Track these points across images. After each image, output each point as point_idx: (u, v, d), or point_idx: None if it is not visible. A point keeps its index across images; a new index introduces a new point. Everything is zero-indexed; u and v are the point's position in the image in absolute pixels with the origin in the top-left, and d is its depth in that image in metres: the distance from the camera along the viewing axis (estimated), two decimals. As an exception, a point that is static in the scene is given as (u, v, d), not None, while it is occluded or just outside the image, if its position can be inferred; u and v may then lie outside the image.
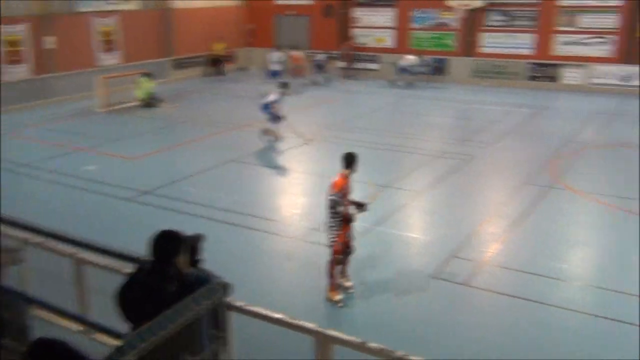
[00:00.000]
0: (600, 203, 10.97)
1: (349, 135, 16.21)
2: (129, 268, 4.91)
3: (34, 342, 3.34)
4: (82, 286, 6.18)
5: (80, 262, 6.10)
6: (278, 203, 11.65)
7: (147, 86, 19.68)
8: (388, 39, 27.05)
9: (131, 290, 4.44)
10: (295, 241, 9.48)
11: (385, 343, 4.73)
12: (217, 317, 4.79)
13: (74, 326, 5.47)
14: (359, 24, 27.60)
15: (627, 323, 6.97)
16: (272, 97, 14.72)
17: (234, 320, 5.04)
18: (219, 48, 27.21)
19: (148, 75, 19.94)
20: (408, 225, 10.28)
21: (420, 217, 10.73)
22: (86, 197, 11.32)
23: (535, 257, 8.82)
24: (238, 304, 5.08)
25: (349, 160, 7.47)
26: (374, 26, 27.23)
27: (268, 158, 14.28)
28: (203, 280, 4.64)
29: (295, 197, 11.78)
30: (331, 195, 7.25)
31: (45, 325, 5.42)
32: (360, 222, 10.04)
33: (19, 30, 19.49)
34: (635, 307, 7.31)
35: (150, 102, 19.58)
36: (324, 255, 8.80)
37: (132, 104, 19.63)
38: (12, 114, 18.06)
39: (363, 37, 27.38)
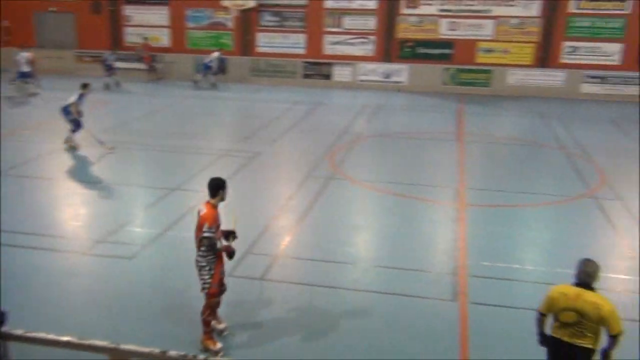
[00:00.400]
0: (374, 189, 12.02)
1: (128, 138, 15.51)
2: None
3: None
4: None
5: None
6: (57, 217, 10.61)
7: None
8: (164, 38, 26.37)
9: None
10: (78, 256, 8.74)
11: (188, 350, 4.59)
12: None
13: None
14: (131, 23, 26.44)
15: (406, 295, 7.73)
16: (72, 99, 13.79)
17: (22, 350, 4.49)
18: None
19: None
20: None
21: (211, 217, 10.65)
22: None
23: (323, 244, 9.33)
24: (17, 332, 4.53)
25: (217, 187, 6.36)
26: (147, 25, 26.32)
27: (39, 169, 12.97)
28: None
29: (75, 208, 10.85)
30: (205, 231, 6.14)
31: None
32: (149, 229, 9.73)
33: None
34: (413, 281, 8.16)
35: None
36: (112, 267, 8.28)
37: None
38: None
39: (136, 36, 26.29)
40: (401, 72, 24.38)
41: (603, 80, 23.05)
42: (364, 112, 19.76)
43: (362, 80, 24.77)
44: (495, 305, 7.46)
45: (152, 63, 25.11)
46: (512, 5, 23.26)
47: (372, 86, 24.44)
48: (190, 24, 26.05)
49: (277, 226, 10.02)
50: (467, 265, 8.51)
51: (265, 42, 25.61)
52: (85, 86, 14.21)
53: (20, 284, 7.81)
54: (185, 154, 14.11)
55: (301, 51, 25.35)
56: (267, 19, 25.39)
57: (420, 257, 8.88)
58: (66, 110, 13.83)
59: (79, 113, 13.85)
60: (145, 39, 25.43)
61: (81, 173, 12.90)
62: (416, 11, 24.11)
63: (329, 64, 24.97)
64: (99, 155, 13.86)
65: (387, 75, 24.46)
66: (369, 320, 7.21)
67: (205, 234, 6.16)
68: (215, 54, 23.87)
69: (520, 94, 23.23)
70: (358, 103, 21.32)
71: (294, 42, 25.36)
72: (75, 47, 26.96)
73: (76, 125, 13.90)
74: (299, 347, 6.63)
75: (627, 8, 22.46)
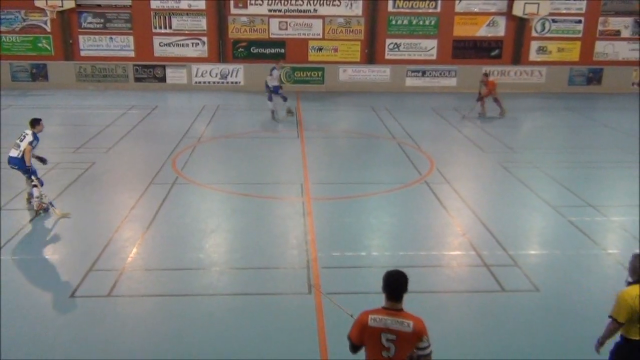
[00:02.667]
0: (221, 191, 11.87)
1: None
2: None
3: None
4: None
5: None
6: None
7: None
8: (-31, 44, 23.71)
9: None
10: None
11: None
12: None
13: None
14: None
15: (262, 294, 7.75)
16: (25, 142, 10.37)
17: None
18: None
19: None
20: (33, 248, 9.26)
21: (46, 236, 9.78)
22: None
23: (173, 252, 9.02)
24: None
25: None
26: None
27: None
28: None
29: None
30: None
31: None
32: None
33: None
34: (268, 279, 8.20)
35: None
36: None
37: None
38: None
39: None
40: (237, 72, 24.36)
41: (424, 74, 24.99)
42: (203, 114, 19.43)
43: (198, 82, 24.34)
44: (347, 293, 7.74)
45: None
46: (336, 5, 24.29)
47: (209, 87, 24.13)
48: (2, 28, 23.68)
49: (122, 238, 9.47)
50: (318, 258, 8.74)
51: (90, 45, 24.11)
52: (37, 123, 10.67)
53: None
54: (5, 170, 12.78)
55: (130, 54, 24.25)
56: (89, 20, 23.91)
57: (273, 255, 8.95)
58: (16, 162, 10.36)
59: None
60: None
61: None
62: (246, 11, 24.22)
63: (162, 66, 24.18)
64: None
65: (224, 76, 24.29)
66: (229, 323, 7.12)
67: None
68: None
69: (352, 90, 24.40)
70: (196, 105, 20.90)
71: (122, 45, 24.17)
72: None
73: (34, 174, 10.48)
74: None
75: (438, 7, 24.58)
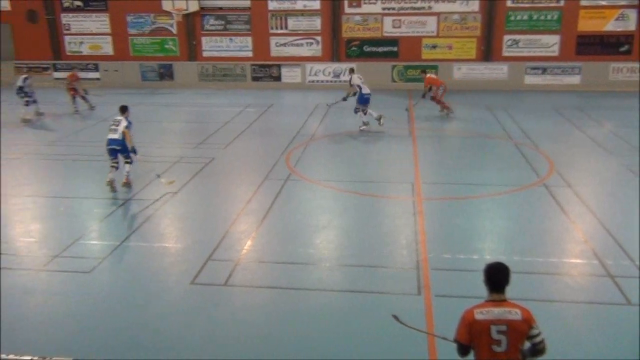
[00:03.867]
0: (332, 188, 12.04)
1: (79, 150, 15.11)
2: None
3: None
4: None
5: None
6: (7, 234, 10.14)
7: None
8: (105, 46, 25.75)
9: None
10: (34, 273, 8.41)
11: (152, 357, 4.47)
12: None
13: None
14: (70, 31, 25.70)
15: (370, 292, 7.77)
16: (122, 125, 11.76)
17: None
18: None
19: None
20: (158, 235, 9.90)
21: (170, 225, 10.43)
22: None
23: (285, 246, 9.28)
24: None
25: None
26: (88, 32, 25.64)
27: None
28: None
29: (26, 224, 10.42)
30: None
31: None
32: (105, 241, 9.46)
33: None
34: (377, 277, 8.21)
35: None
36: (69, 282, 8.09)
37: None
38: None
39: (77, 44, 25.60)
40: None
41: (544, 71, 23.81)
42: (316, 112, 19.78)
43: (311, 81, 24.81)
44: (458, 297, 7.55)
45: (79, 95, 20.05)
46: (452, 2, 23.76)
47: (322, 86, 24.51)
48: (133, 31, 25.51)
49: (238, 231, 9.90)
50: (428, 259, 8.62)
51: (211, 46, 25.35)
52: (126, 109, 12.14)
53: (-28, 307, 7.45)
54: (138, 163, 13.75)
55: (249, 54, 25.20)
56: (212, 22, 25.12)
57: (382, 253, 8.94)
58: (118, 142, 11.72)
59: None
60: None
61: (31, 188, 12.40)
62: (359, 10, 24.34)
63: (278, 66, 24.91)
64: (46, 168, 13.41)
65: (336, 75, 24.59)
66: (336, 319, 7.20)
67: None
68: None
69: (467, 88, 23.75)
70: (309, 103, 21.32)
71: (241, 45, 25.18)
72: (12, 58, 26.00)
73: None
74: (265, 350, 6.56)
75: (562, 1, 23.30)
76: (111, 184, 11.70)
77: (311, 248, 9.25)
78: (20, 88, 18.43)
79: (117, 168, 11.82)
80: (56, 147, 15.42)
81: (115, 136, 11.70)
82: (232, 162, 14.17)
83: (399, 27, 24.29)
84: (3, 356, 4.44)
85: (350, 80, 17.38)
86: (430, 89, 18.79)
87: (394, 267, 8.51)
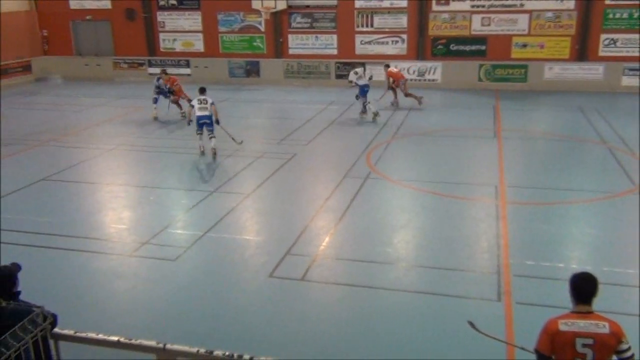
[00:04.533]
0: (412, 188, 11.91)
1: (163, 142, 15.78)
2: None
3: None
4: None
5: None
6: (101, 220, 10.80)
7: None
8: (197, 43, 26.68)
9: None
10: (124, 258, 8.89)
11: (232, 348, 4.61)
12: (44, 351, 4.32)
13: None
14: (165, 28, 26.83)
15: (448, 295, 7.63)
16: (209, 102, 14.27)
17: (68, 351, 4.58)
18: None
19: None
20: (240, 228, 10.19)
21: (251, 218, 10.70)
22: None
23: (363, 244, 9.29)
24: (68, 332, 4.63)
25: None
26: (180, 30, 26.68)
27: (82, 173, 13.25)
28: (21, 313, 4.18)
29: (118, 211, 11.04)
30: None
31: None
32: (190, 230, 9.85)
33: None
34: (455, 281, 8.05)
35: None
36: (156, 268, 8.44)
37: None
38: None
39: (170, 41, 26.70)
40: (435, 69, 24.16)
41: (644, 72, 22.41)
42: (399, 111, 19.60)
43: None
44: (541, 306, 7.28)
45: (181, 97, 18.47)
46: (546, -1, 22.83)
47: (408, 84, 24.20)
48: (222, 28, 26.29)
49: (316, 227, 10.01)
50: (510, 264, 8.35)
51: (297, 43, 25.68)
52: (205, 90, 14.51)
53: (68, 285, 7.98)
54: (223, 157, 14.21)
55: (333, 52, 25.34)
56: (298, 20, 25.45)
57: (462, 256, 8.76)
58: (208, 117, 14.06)
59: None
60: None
61: (123, 177, 13.12)
62: (447, 8, 23.86)
63: (362, 64, 24.83)
64: (139, 160, 14.13)
65: (421, 73, 24.26)
66: (411, 321, 7.14)
67: None
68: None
69: (558, 89, 22.74)
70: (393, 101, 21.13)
71: (326, 43, 25.36)
72: (112, 54, 27.50)
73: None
74: (339, 348, 6.60)
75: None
76: (201, 148, 14.20)
77: (389, 247, 9.21)
78: (157, 87, 18.57)
79: (201, 136, 14.14)
80: (149, 140, 16.16)
81: (206, 113, 14.01)
82: (313, 159, 14.33)
83: (488, 25, 23.61)
84: (92, 335, 4.72)
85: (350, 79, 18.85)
86: (392, 81, 19.83)
87: (473, 271, 8.32)
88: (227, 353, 4.51)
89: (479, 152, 14.52)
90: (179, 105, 18.42)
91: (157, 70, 22.29)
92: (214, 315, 7.27)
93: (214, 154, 14.04)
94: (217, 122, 14.13)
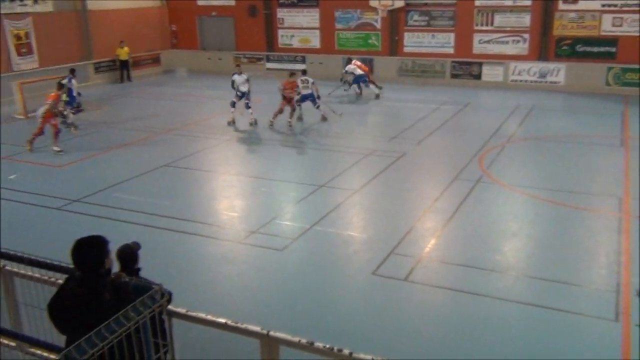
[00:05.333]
0: (526, 195, 11.41)
1: (277, 136, 16.22)
2: (61, 279, 4.62)
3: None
4: (12, 300, 5.75)
5: (10, 275, 5.68)
6: (215, 206, 11.37)
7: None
8: (313, 40, 27.16)
9: (62, 302, 4.19)
10: (234, 244, 9.29)
11: (331, 342, 4.65)
12: (159, 326, 4.60)
13: (7, 341, 5.09)
14: (283, 25, 27.56)
15: (559, 310, 7.24)
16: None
17: (178, 328, 4.86)
18: (122, 53, 25.67)
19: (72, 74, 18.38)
20: (345, 223, 10.28)
21: (357, 215, 10.77)
22: (12, 207, 10.66)
23: (470, 249, 9.04)
24: (180, 310, 4.90)
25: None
26: (298, 27, 27.27)
27: (200, 161, 13.98)
28: (142, 289, 4.46)
29: (231, 199, 11.56)
30: None
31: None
32: (298, 223, 10.08)
33: None
34: (567, 295, 7.63)
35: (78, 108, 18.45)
36: (263, 257, 8.72)
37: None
38: None
39: (288, 37, 27.39)
40: (558, 71, 22.92)
41: None
42: (517, 114, 18.83)
43: (514, 80, 23.63)
44: (664, 329, 6.74)
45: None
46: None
47: (525, 86, 23.21)
48: (339, 26, 26.55)
49: (423, 227, 9.88)
50: (631, 283, 7.78)
51: (413, 41, 25.38)
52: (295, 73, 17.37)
53: (181, 266, 8.47)
54: (333, 152, 14.41)
55: (450, 50, 24.79)
56: (415, 18, 25.15)
57: (577, 270, 8.28)
58: (310, 95, 16.98)
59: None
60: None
61: (237, 167, 13.69)
62: (575, 7, 22.54)
63: (479, 64, 24.15)
64: (252, 151, 14.64)
65: (543, 75, 23.12)
66: (517, 333, 6.85)
67: None
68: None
69: (698, 96, 20.77)
70: (510, 104, 20.34)
71: (442, 42, 24.86)
72: (233, 49, 28.68)
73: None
74: (439, 352, 6.48)
75: None
76: (300, 117, 17.31)
77: (498, 254, 8.90)
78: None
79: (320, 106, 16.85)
80: (264, 132, 16.71)
81: (309, 91, 16.85)
82: (423, 159, 14.13)
83: (620, 25, 22.02)
84: (202, 315, 4.96)
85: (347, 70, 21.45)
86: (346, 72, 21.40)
87: (588, 287, 7.83)
88: (327, 346, 4.56)
89: (603, 161, 13.61)
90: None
91: (274, 65, 22.55)
92: (317, 307, 7.40)
93: (324, 117, 17.27)
94: (319, 97, 16.97)
